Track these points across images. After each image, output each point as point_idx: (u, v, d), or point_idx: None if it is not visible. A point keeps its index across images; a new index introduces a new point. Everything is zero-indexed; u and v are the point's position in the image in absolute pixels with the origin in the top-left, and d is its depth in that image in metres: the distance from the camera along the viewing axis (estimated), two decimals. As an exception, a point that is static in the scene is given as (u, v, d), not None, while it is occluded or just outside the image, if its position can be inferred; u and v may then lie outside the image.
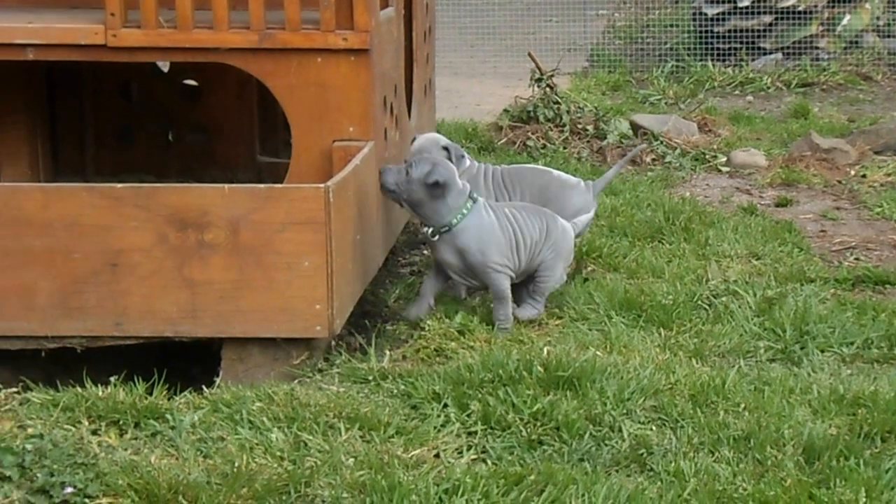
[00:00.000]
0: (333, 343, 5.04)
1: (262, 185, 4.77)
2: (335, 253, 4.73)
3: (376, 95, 5.32)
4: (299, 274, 4.70)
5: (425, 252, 6.55)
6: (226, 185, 4.74)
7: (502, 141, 8.30)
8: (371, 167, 5.23)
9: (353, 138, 5.24)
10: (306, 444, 4.18)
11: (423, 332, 5.15)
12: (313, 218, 4.66)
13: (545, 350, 4.90)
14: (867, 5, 11.78)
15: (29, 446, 3.96)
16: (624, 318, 5.42)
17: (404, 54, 6.18)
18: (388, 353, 5.02)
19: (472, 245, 5.21)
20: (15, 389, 4.53)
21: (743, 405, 4.55)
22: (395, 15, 5.78)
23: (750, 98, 10.78)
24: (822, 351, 5.17)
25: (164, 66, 6.54)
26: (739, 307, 5.54)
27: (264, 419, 4.32)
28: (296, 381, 4.73)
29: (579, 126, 8.42)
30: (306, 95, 5.21)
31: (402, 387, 4.63)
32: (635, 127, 8.59)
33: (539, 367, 4.67)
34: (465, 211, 5.21)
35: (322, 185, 4.67)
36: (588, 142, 8.34)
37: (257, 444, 4.17)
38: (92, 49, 5.19)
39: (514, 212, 5.37)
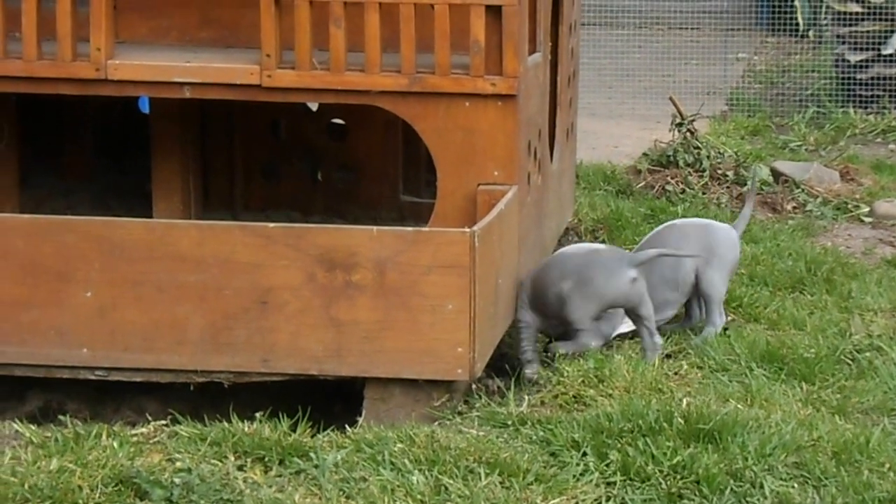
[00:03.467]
0: (473, 386, 5.07)
1: (409, 228, 4.84)
2: (478, 297, 4.77)
3: (521, 140, 5.36)
4: (442, 316, 4.75)
5: (563, 295, 6.57)
6: (374, 228, 4.81)
7: (640, 185, 8.28)
8: (514, 211, 5.27)
9: (498, 182, 5.29)
10: (447, 489, 4.21)
11: (561, 378, 5.16)
12: (458, 262, 4.71)
13: (685, 401, 4.88)
14: None
15: (177, 480, 4.06)
16: (765, 370, 5.37)
17: (549, 98, 6.22)
18: (526, 397, 5.04)
19: None
20: (164, 422, 4.64)
21: (888, 465, 4.47)
22: (543, 60, 5.82)
23: (893, 146, 10.60)
24: (977, 416, 5.07)
25: (313, 106, 6.66)
26: (884, 363, 5.45)
27: (406, 461, 4.36)
28: (436, 423, 4.76)
29: (719, 172, 8.36)
30: (453, 139, 5.27)
31: (542, 433, 4.64)
32: (776, 174, 8.51)
33: (679, 419, 4.65)
34: None
35: (468, 230, 4.72)
36: (728, 187, 8.28)
37: (398, 486, 4.21)
38: (247, 89, 5.31)
39: None
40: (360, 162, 6.68)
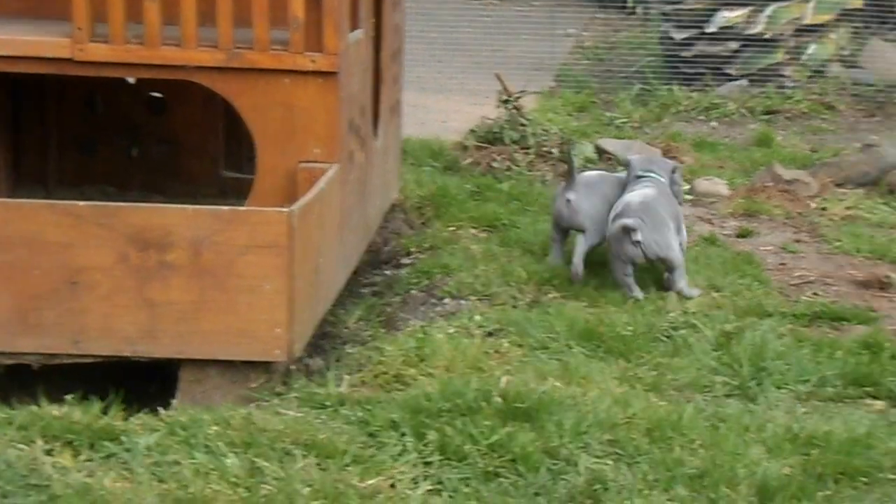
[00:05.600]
0: (292, 367, 5.02)
1: (225, 208, 4.76)
2: (297, 277, 4.72)
3: (343, 118, 5.32)
4: (260, 297, 4.69)
5: (387, 272, 6.56)
6: (189, 207, 4.73)
7: (467, 161, 8.28)
8: (335, 190, 5.23)
9: (319, 160, 5.25)
10: (262, 471, 4.16)
11: (382, 358, 5.14)
12: (276, 242, 4.66)
13: (504, 380, 4.91)
14: (833, 35, 11.86)
15: (-19, 465, 3.94)
16: (584, 348, 5.43)
17: (372, 75, 6.18)
18: (346, 377, 5.01)
19: None
20: (-32, 406, 4.50)
21: (698, 442, 4.56)
22: (365, 37, 5.78)
23: (714, 124, 10.83)
24: (778, 388, 5.19)
25: (131, 79, 6.51)
26: (698, 341, 5.55)
27: (220, 444, 4.30)
28: (253, 405, 4.71)
29: (544, 149, 8.42)
30: (272, 116, 5.21)
31: (360, 414, 4.62)
32: (600, 151, 8.61)
33: (497, 398, 4.67)
34: None
35: (286, 210, 4.67)
36: (553, 164, 8.34)
37: (213, 470, 4.15)
38: (58, 62, 5.18)
39: None
40: (179, 136, 6.56)
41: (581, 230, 6.24)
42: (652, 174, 6.37)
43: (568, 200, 6.26)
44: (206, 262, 4.66)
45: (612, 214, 6.11)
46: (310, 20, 5.13)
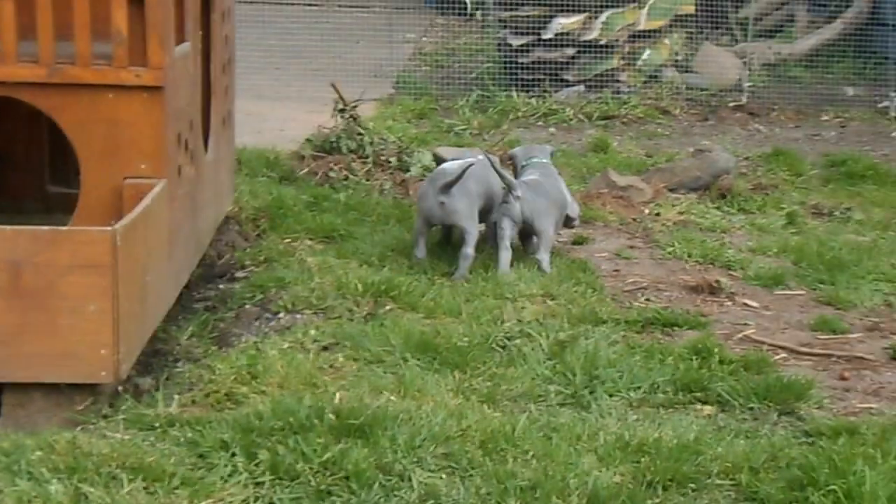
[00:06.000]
0: (120, 388, 4.92)
1: (45, 228, 4.63)
2: (122, 297, 4.62)
3: (170, 132, 5.23)
4: (84, 318, 4.58)
5: (221, 286, 6.47)
6: (7, 227, 4.59)
7: (304, 171, 8.23)
8: (162, 206, 5.14)
9: (146, 176, 5.15)
10: (87, 497, 4.09)
11: (213, 376, 5.07)
12: (99, 262, 4.55)
13: (337, 396, 4.88)
14: (666, 41, 12.08)
15: None
16: (419, 360, 5.42)
17: (202, 87, 6.09)
18: (176, 397, 4.93)
19: None
20: None
21: (531, 453, 4.59)
22: (192, 49, 5.69)
23: (553, 130, 10.93)
24: (611, 395, 5.24)
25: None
26: (532, 350, 5.59)
27: (44, 470, 4.20)
28: (79, 429, 4.60)
29: (382, 158, 8.41)
30: (97, 132, 5.10)
31: (190, 434, 4.55)
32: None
33: (331, 415, 4.64)
34: None
35: (108, 229, 4.56)
36: (391, 174, 8.33)
37: (35, 497, 4.07)
38: None
39: None
40: (3, 151, 6.37)
41: (459, 225, 6.67)
42: (534, 159, 7.13)
43: (442, 203, 6.56)
44: (26, 284, 4.53)
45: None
46: (133, 34, 5.03)
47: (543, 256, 6.70)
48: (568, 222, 7.20)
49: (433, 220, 6.70)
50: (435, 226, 6.85)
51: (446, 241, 7.04)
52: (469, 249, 6.57)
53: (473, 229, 6.65)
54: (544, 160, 7.18)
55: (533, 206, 6.71)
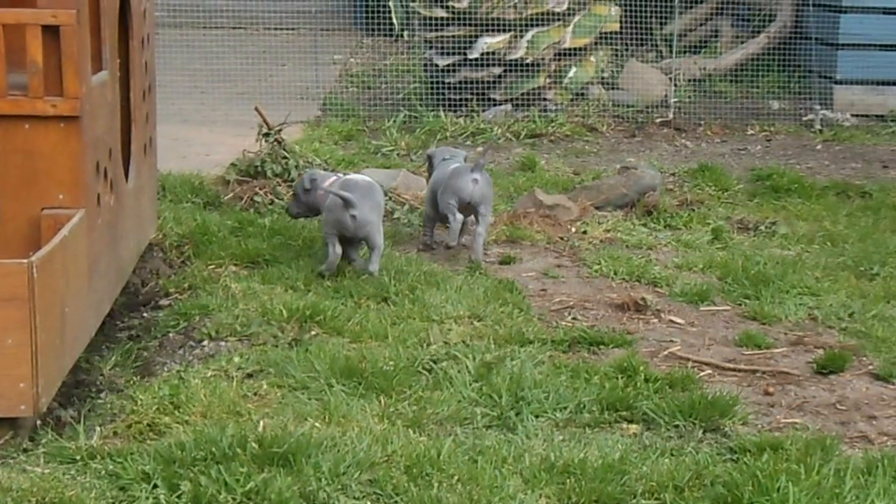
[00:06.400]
0: (39, 421, 4.86)
1: (-40, 261, 4.58)
2: (40, 329, 4.57)
3: (88, 162, 5.18)
4: (2, 352, 4.53)
5: (145, 315, 6.42)
6: (-78, 262, 4.53)
7: (229, 196, 8.18)
8: (81, 236, 5.09)
9: (64, 206, 5.10)
10: (5, 535, 4.02)
11: (135, 407, 5.02)
12: (16, 294, 4.50)
13: (261, 424, 4.84)
14: (592, 58, 12.14)
15: None
16: (345, 385, 5.39)
17: (122, 114, 6.05)
18: (98, 429, 4.88)
19: None
20: None
21: (457, 477, 4.58)
22: (110, 78, 5.64)
23: (480, 149, 10.91)
24: (537, 416, 5.23)
25: None
26: (459, 372, 5.58)
27: (-39, 508, 4.14)
28: (-2, 464, 4.54)
29: (310, 181, 8.36)
30: (13, 162, 5.05)
31: (111, 466, 4.50)
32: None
33: (254, 444, 4.61)
34: None
35: (25, 261, 4.51)
36: (317, 197, 8.28)
37: (-48, 537, 3.99)
38: None
39: None
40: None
41: (367, 239, 6.84)
42: (448, 159, 7.66)
43: (353, 216, 6.71)
44: (-58, 319, 4.47)
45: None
46: (49, 64, 4.99)
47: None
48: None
49: (346, 232, 6.77)
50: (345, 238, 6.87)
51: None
52: (376, 266, 6.82)
53: (381, 241, 6.83)
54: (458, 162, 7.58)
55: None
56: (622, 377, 5.60)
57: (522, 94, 11.82)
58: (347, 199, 6.70)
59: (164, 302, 6.46)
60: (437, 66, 11.90)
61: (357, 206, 6.72)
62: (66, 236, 4.88)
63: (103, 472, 4.48)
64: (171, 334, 6.01)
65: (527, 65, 11.75)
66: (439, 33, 11.86)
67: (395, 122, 11.42)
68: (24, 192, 5.07)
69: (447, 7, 11.74)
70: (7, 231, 5.09)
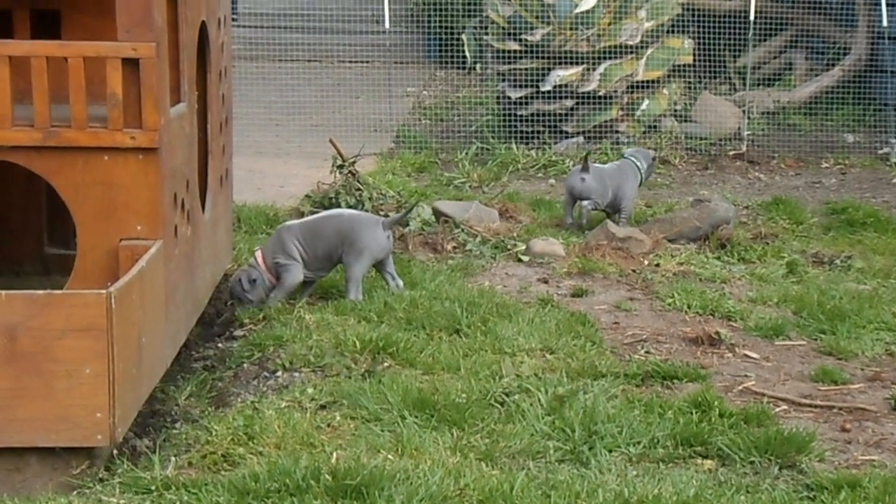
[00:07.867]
0: (115, 451, 4.91)
1: (40, 292, 4.64)
2: (118, 359, 4.62)
3: (166, 193, 5.24)
4: (80, 381, 4.58)
5: (220, 345, 6.47)
6: (3, 292, 4.59)
7: (303, 227, 8.22)
8: (158, 266, 5.14)
9: (141, 237, 5.16)
10: (82, 564, 4.06)
11: (210, 438, 5.05)
12: (94, 325, 4.55)
13: (334, 456, 4.85)
14: (665, 90, 12.11)
15: None
16: (417, 417, 5.39)
17: (199, 146, 6.11)
18: (173, 459, 4.91)
19: None
20: None
21: (534, 512, 4.56)
22: (188, 110, 5.71)
23: (553, 181, 10.93)
24: (610, 451, 5.20)
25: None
26: (531, 405, 5.56)
27: (39, 536, 4.18)
28: (75, 493, 4.59)
29: (382, 212, 8.40)
30: (92, 194, 5.12)
31: (186, 498, 4.53)
32: (437, 213, 8.62)
33: (327, 476, 4.62)
34: None
35: (103, 291, 4.57)
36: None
37: (30, 564, 4.04)
38: None
39: None
40: (1, 214, 6.39)
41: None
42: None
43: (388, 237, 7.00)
44: (21, 348, 4.54)
45: None
46: (128, 96, 5.06)
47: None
48: None
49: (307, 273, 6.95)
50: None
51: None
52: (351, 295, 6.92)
53: (354, 272, 6.95)
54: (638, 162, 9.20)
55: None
56: (696, 412, 5.55)
57: (595, 126, 11.80)
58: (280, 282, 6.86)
59: (238, 332, 6.51)
60: (509, 98, 11.92)
61: (307, 254, 6.87)
62: (143, 267, 4.93)
63: (178, 502, 4.51)
64: (245, 365, 6.05)
65: (599, 97, 11.74)
66: (512, 66, 11.89)
67: (467, 154, 11.45)
68: (102, 223, 5.13)
69: (520, 40, 11.77)
70: (86, 262, 5.15)
